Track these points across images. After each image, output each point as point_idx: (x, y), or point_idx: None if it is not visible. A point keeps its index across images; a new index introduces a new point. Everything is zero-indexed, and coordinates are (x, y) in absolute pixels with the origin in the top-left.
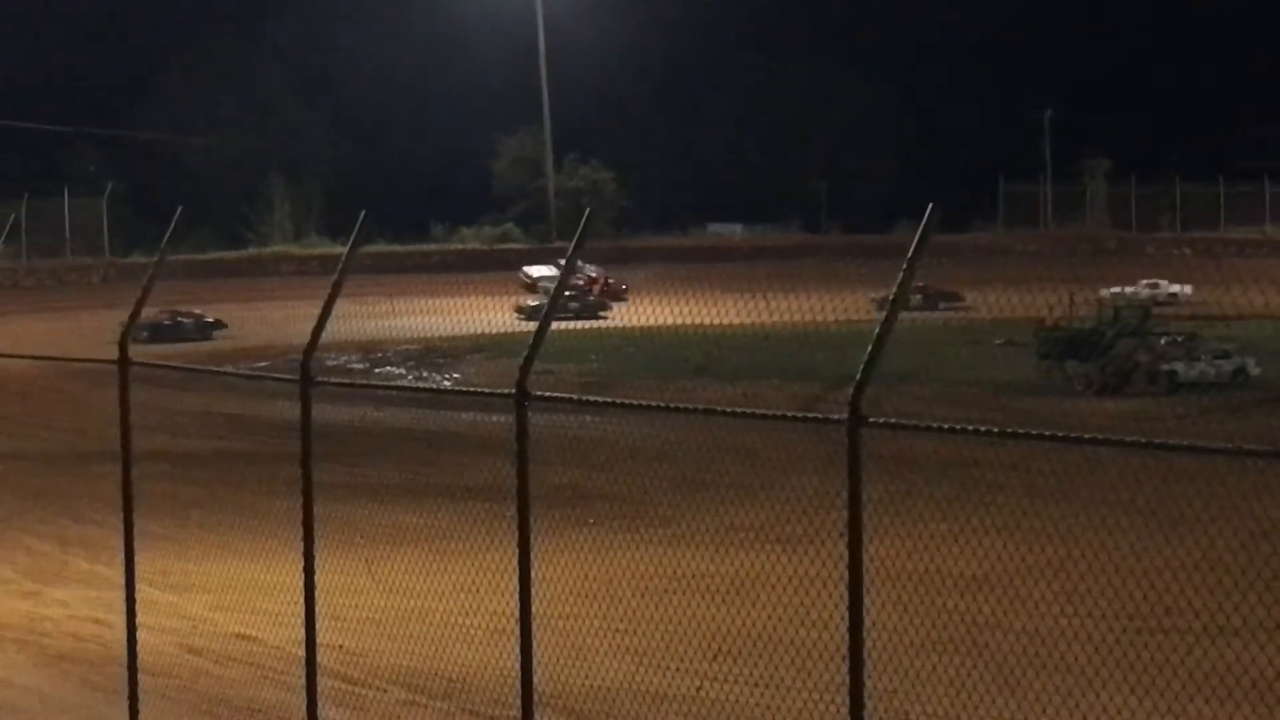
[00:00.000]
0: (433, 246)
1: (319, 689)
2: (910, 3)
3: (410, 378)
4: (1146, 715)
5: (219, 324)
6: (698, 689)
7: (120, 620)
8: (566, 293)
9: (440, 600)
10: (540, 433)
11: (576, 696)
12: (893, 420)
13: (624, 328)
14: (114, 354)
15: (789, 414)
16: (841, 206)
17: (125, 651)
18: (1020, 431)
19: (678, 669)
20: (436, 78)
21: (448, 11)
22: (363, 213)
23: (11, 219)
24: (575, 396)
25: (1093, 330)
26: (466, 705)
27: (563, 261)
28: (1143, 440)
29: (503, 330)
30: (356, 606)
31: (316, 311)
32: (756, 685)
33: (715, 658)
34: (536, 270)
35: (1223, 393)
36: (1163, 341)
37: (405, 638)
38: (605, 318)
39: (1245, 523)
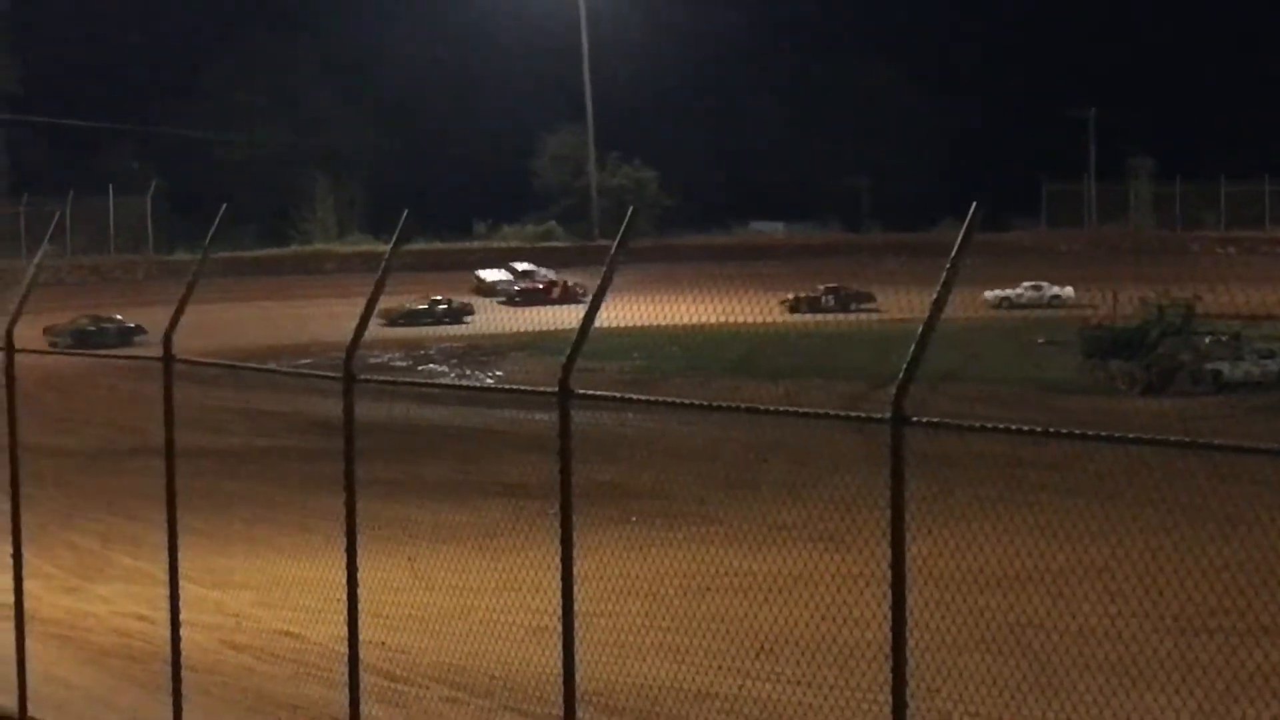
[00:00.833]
0: (475, 244)
1: (362, 686)
2: (954, 0)
3: (453, 375)
4: (1190, 716)
5: (139, 330)
6: (740, 687)
7: (163, 616)
8: (516, 289)
9: (483, 597)
10: (583, 430)
11: (619, 694)
12: (936, 419)
13: (665, 326)
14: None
15: (832, 412)
16: (884, 205)
17: (168, 647)
18: (1064, 431)
19: (720, 667)
20: (479, 76)
21: (490, 9)
22: (405, 211)
23: (56, 217)
24: (618, 394)
25: (1137, 329)
26: (508, 702)
27: (519, 266)
28: (1187, 440)
29: (545, 328)
30: (399, 603)
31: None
32: (799, 684)
33: (758, 656)
34: (489, 274)
35: (1268, 392)
36: (1207, 341)
37: (447, 635)
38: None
39: None
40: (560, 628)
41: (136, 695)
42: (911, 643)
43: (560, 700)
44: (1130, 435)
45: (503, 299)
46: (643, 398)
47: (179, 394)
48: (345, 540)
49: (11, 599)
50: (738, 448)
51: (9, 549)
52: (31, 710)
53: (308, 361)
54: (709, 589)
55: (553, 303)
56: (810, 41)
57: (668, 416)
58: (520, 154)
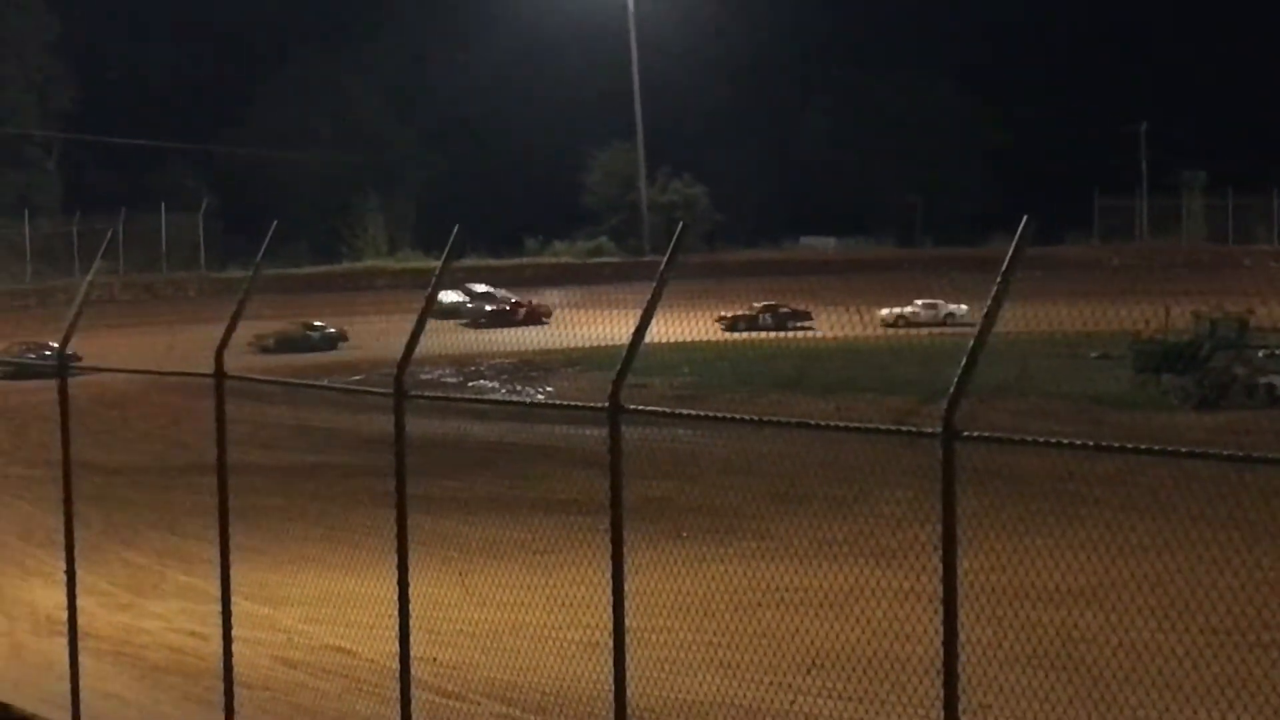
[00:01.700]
0: (526, 260)
1: (413, 702)
2: (1004, 14)
3: (504, 391)
4: None
5: (75, 357)
6: (791, 703)
7: (216, 632)
8: (488, 308)
9: (534, 613)
10: (633, 446)
11: (670, 710)
12: (987, 434)
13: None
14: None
15: (882, 427)
16: (935, 219)
17: (221, 664)
18: (1116, 445)
19: (771, 683)
20: (529, 91)
21: (541, 27)
22: (455, 227)
23: (109, 235)
24: (668, 410)
25: (1189, 343)
26: (560, 718)
27: (477, 287)
28: (1240, 454)
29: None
30: (450, 619)
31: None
32: (850, 699)
33: (809, 672)
34: (447, 295)
35: None
36: (1260, 354)
37: (499, 651)
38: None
39: None
40: (611, 643)
41: (189, 711)
42: (963, 658)
43: (611, 716)
44: (1183, 449)
45: (465, 321)
46: (692, 413)
47: (231, 410)
48: (396, 556)
49: (65, 615)
50: (787, 463)
51: (64, 566)
52: None
53: (359, 377)
54: (760, 604)
55: (518, 324)
56: (861, 56)
57: (717, 432)
58: (571, 170)
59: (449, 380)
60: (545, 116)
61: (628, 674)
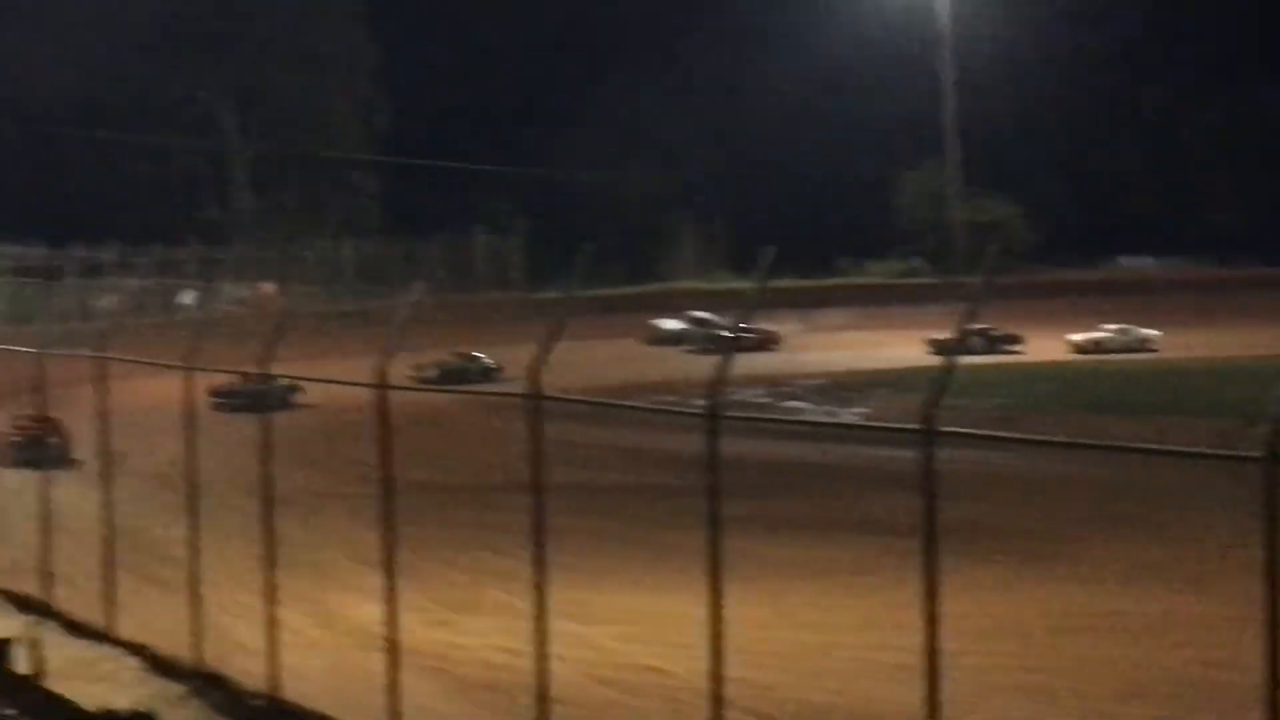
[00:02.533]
0: (837, 281)
1: None
2: None
3: (817, 412)
4: None
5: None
6: None
7: (531, 650)
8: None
9: (845, 635)
10: (945, 467)
11: None
12: None
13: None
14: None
15: (1203, 451)
16: (1261, 239)
17: (535, 681)
18: None
19: (1088, 710)
20: (841, 111)
21: (850, 46)
22: (769, 248)
23: (430, 258)
24: (983, 431)
25: None
26: None
27: (698, 314)
28: None
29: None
30: (762, 640)
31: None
32: None
33: (1126, 699)
34: (668, 323)
35: None
36: None
37: (811, 672)
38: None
39: None
40: (925, 666)
41: None
42: None
43: None
44: None
45: (693, 348)
46: (1005, 435)
47: (546, 430)
48: (709, 576)
49: (383, 630)
50: (1102, 486)
51: (385, 583)
52: None
53: (672, 399)
54: (1075, 629)
55: (746, 350)
56: (1178, 70)
57: (1031, 454)
58: (882, 190)
59: (760, 400)
60: (857, 136)
61: (941, 697)
